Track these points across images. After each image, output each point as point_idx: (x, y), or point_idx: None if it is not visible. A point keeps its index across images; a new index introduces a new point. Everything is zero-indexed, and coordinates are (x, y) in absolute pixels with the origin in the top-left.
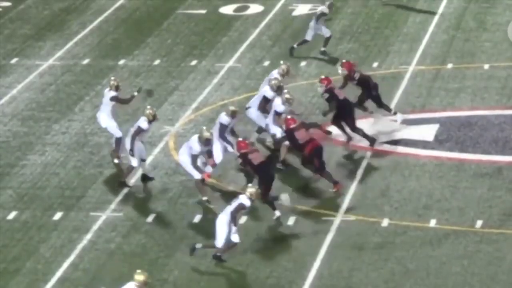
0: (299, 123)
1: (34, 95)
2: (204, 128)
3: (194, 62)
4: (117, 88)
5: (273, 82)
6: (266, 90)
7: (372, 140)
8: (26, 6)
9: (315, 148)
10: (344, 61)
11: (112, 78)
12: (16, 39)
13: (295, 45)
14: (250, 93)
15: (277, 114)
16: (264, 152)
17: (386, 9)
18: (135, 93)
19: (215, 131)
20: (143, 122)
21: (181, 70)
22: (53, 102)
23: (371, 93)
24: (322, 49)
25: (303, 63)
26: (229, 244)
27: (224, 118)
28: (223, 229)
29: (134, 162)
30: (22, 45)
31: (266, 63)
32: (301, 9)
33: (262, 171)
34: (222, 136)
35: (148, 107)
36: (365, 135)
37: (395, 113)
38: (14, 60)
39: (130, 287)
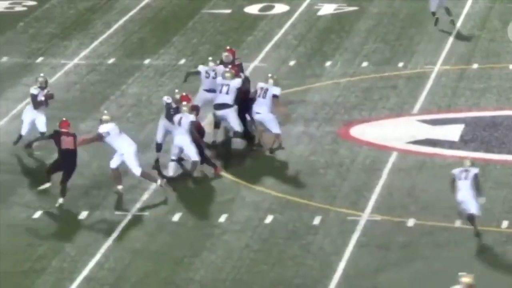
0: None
1: (60, 94)
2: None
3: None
4: (46, 84)
5: (227, 74)
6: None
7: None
8: (51, 5)
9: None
10: (228, 47)
11: (41, 74)
12: (41, 38)
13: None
14: None
15: (275, 97)
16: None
17: (411, 9)
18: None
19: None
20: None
21: None
22: (78, 101)
23: None
24: (451, 18)
25: (328, 63)
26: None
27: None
28: (471, 200)
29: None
30: (48, 44)
31: (292, 62)
32: (326, 9)
33: (66, 157)
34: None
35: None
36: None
37: None
38: (39, 59)
39: None
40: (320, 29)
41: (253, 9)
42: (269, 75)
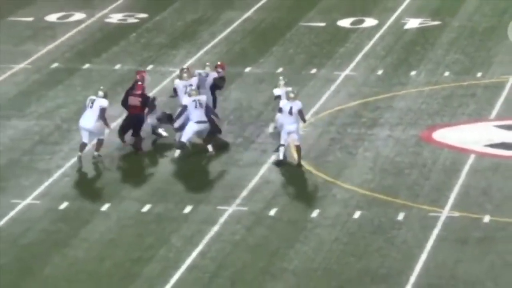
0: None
1: (167, 99)
2: None
3: (314, 71)
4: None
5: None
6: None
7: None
8: (162, 17)
9: (131, 116)
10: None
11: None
12: (152, 47)
13: None
14: (364, 99)
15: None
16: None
17: (490, 23)
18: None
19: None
20: None
21: (302, 78)
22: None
23: None
24: None
25: (413, 72)
26: None
27: (103, 101)
28: None
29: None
30: (157, 53)
31: (380, 71)
32: (412, 23)
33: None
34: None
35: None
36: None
37: None
38: (150, 67)
39: None
40: (406, 41)
41: (345, 22)
42: (281, 77)
